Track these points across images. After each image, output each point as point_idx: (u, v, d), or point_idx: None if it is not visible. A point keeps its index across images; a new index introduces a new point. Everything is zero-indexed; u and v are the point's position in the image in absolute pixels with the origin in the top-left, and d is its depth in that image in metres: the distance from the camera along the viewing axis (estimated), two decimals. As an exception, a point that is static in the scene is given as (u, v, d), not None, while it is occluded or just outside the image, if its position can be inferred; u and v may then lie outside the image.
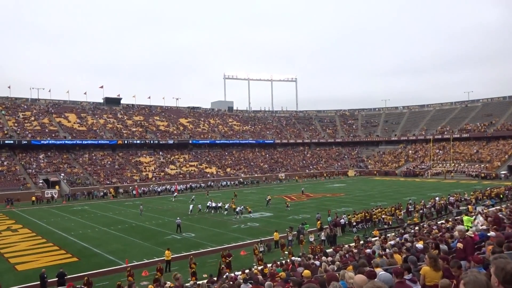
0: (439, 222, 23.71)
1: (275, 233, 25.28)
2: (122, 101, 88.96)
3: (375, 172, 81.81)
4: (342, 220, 28.91)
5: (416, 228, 23.61)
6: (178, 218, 31.19)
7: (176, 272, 15.79)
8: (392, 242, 15.63)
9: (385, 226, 28.91)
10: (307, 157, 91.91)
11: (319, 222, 28.51)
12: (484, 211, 22.32)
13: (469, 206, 31.05)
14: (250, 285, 9.56)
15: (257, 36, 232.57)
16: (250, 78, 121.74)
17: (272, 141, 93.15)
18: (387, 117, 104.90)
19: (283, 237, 25.02)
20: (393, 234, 22.12)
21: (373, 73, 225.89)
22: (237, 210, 36.32)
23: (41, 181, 56.71)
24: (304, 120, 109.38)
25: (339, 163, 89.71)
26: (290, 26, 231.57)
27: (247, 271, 15.14)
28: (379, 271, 6.46)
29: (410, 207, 34.04)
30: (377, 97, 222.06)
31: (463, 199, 37.17)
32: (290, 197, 48.34)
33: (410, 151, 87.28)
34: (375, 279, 4.60)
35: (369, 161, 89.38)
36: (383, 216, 30.68)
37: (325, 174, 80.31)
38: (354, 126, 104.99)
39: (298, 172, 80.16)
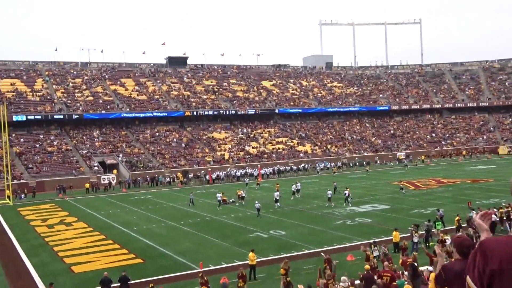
0: None
1: (394, 233, 24.68)
2: (188, 61, 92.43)
3: (539, 148, 76.01)
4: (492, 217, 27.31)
5: None
6: (257, 202, 34.39)
7: None
8: None
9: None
10: (438, 129, 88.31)
11: (457, 219, 27.22)
12: None
13: None
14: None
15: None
16: (355, 23, 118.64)
17: (387, 108, 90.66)
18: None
19: (406, 238, 24.32)
20: None
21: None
22: (345, 194, 37.61)
23: (96, 164, 61.39)
24: (432, 77, 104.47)
25: (485, 137, 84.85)
26: None
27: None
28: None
29: None
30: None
31: None
32: (413, 183, 47.15)
33: None
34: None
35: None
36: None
37: (464, 153, 76.52)
38: (507, 84, 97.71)
39: (424, 150, 77.32)
